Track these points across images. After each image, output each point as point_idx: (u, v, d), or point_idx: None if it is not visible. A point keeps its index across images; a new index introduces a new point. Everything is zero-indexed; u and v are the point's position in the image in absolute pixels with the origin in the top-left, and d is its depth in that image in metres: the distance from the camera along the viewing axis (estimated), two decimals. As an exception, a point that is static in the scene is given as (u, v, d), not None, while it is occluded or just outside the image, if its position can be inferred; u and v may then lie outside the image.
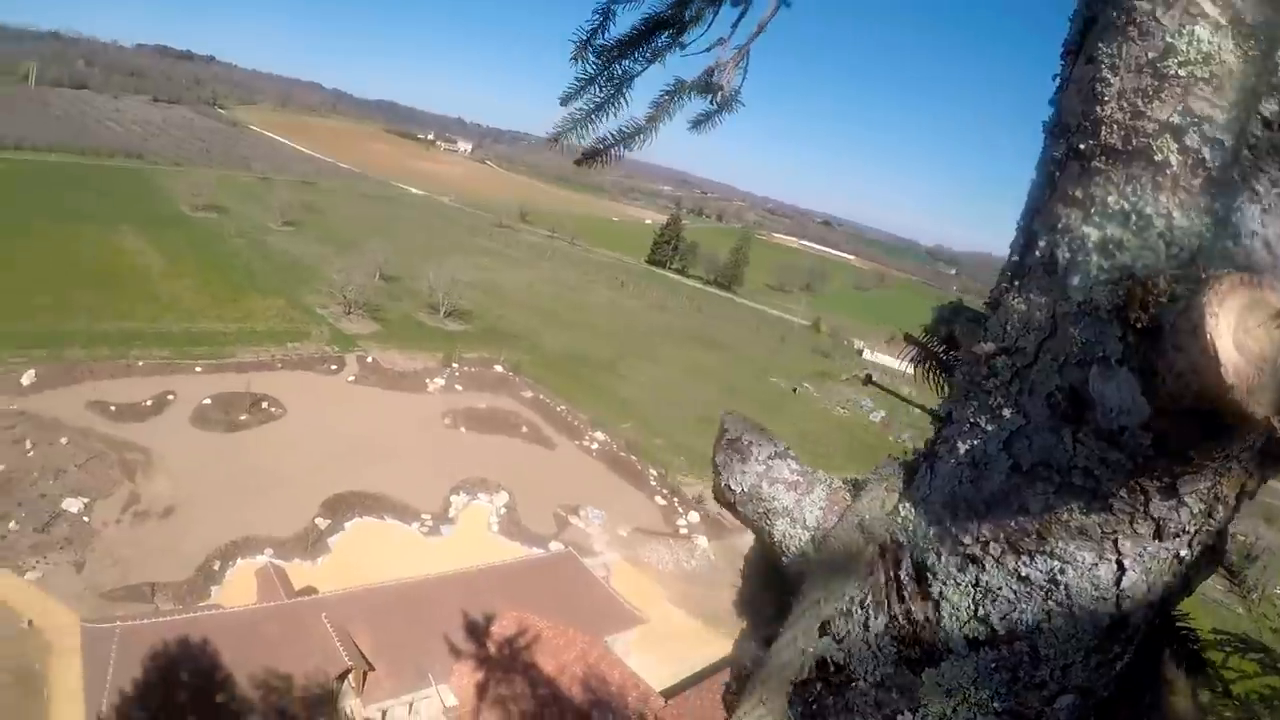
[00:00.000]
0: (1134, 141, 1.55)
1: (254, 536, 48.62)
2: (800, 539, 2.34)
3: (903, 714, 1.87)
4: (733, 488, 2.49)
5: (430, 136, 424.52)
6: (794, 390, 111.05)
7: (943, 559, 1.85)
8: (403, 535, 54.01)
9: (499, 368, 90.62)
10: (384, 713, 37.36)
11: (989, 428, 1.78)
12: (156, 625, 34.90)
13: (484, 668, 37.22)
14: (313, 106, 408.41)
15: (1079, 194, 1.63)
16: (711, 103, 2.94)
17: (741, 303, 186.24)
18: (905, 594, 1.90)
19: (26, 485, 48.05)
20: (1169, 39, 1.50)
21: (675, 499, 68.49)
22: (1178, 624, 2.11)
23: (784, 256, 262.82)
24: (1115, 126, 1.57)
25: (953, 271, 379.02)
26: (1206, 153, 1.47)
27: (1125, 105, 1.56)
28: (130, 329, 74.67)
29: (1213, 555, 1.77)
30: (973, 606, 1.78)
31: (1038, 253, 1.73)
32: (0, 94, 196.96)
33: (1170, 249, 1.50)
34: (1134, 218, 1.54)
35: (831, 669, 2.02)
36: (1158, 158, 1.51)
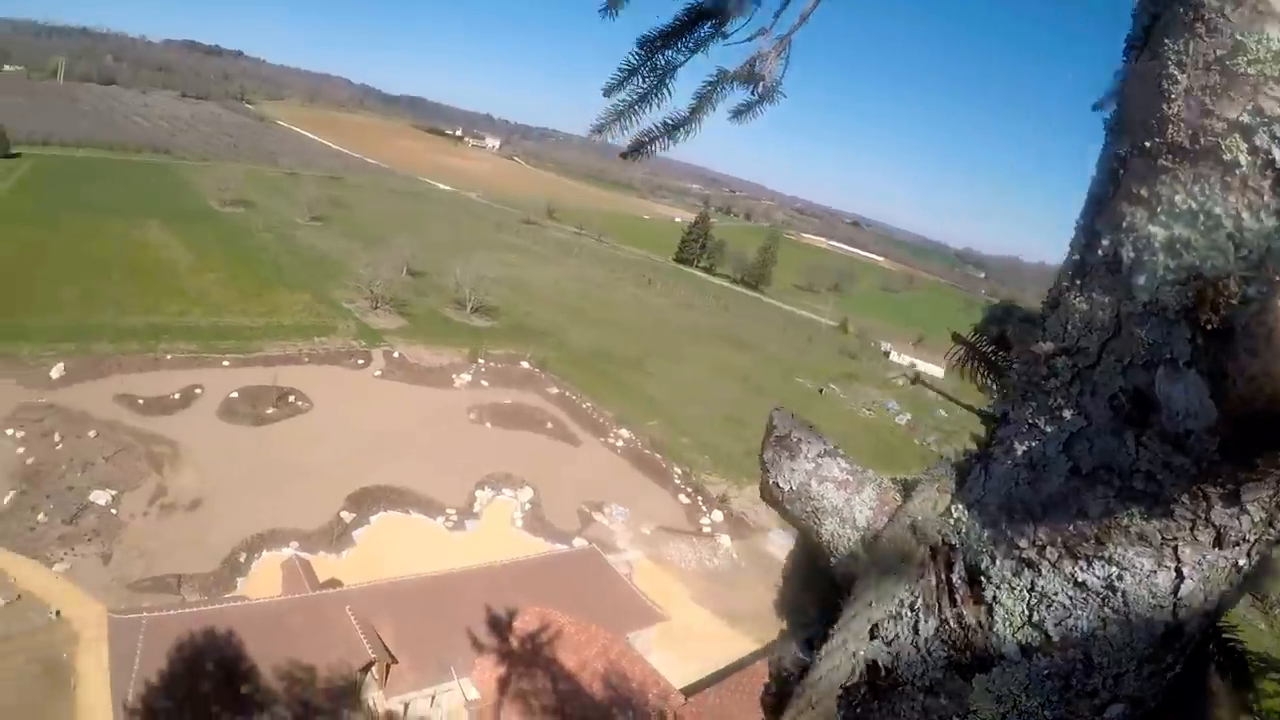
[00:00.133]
0: (1202, 140, 1.51)
1: (279, 529, 49.07)
2: (850, 539, 2.31)
3: None
4: (781, 485, 2.46)
5: (458, 132, 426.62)
6: (820, 391, 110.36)
7: (997, 562, 1.81)
8: (427, 529, 54.27)
9: (525, 364, 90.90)
10: (406, 705, 37.56)
11: (1048, 429, 1.74)
12: (182, 616, 35.24)
13: (506, 662, 37.36)
14: (340, 102, 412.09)
15: (1144, 192, 1.60)
16: (753, 93, 2.93)
17: (769, 302, 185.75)
18: (957, 597, 1.87)
19: (55, 478, 48.73)
20: (1238, 37, 1.46)
21: (699, 497, 68.37)
22: (1224, 635, 2.04)
23: (812, 256, 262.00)
24: (1183, 125, 1.53)
25: (981, 275, 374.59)
26: (1276, 153, 1.43)
27: (1193, 103, 1.52)
28: (158, 323, 75.64)
29: (1265, 566, 1.72)
30: (1027, 612, 1.74)
31: (1100, 251, 1.69)
32: (29, 89, 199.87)
33: (1239, 250, 1.45)
34: (1202, 218, 1.50)
35: (881, 673, 1.99)
36: (1226, 157, 1.47)
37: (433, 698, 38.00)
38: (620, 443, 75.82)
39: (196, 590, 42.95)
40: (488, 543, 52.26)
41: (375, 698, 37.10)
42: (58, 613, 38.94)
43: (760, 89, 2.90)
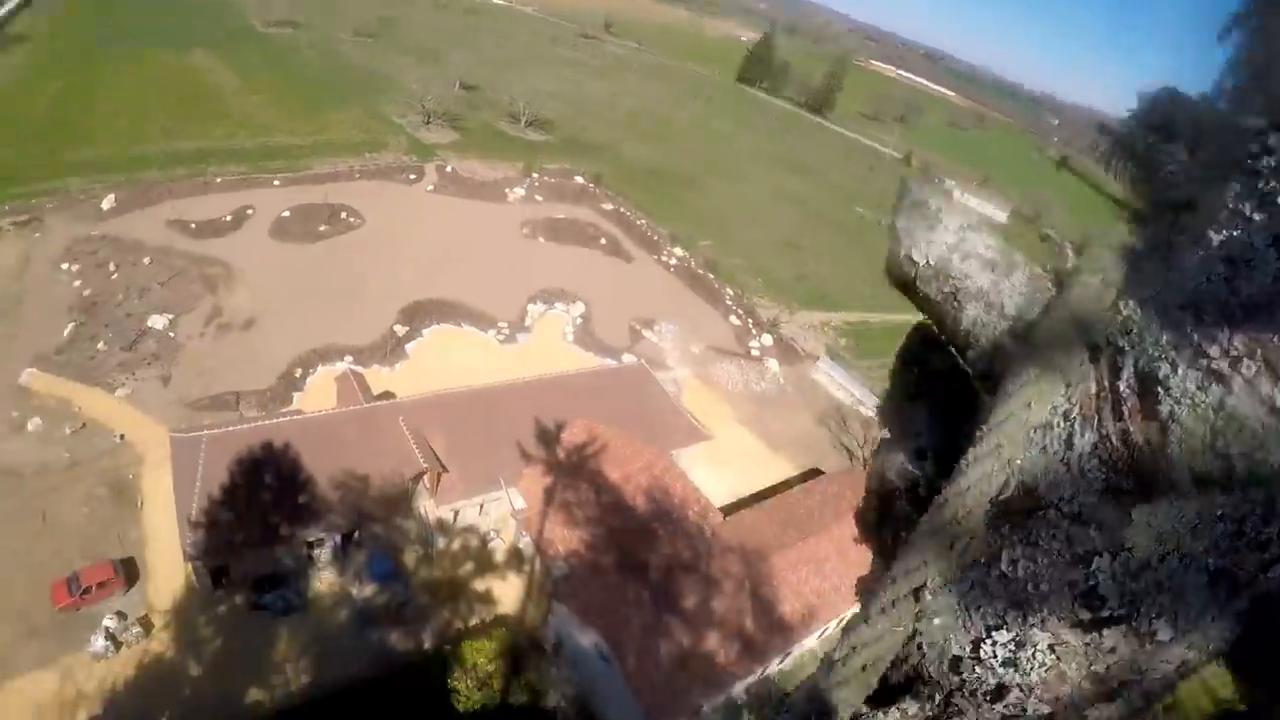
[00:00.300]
0: None
1: (334, 344, 49.51)
2: (995, 328, 1.87)
3: (1099, 556, 1.47)
4: (915, 259, 2.02)
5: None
6: (880, 223, 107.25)
7: (1178, 372, 1.42)
8: (479, 342, 54.43)
9: (579, 179, 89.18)
10: (456, 513, 38.28)
11: (1256, 217, 1.38)
12: (241, 432, 35.94)
13: (552, 473, 37.55)
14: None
15: None
16: None
17: (832, 129, 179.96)
18: (1124, 410, 1.50)
19: (112, 306, 49.33)
20: None
21: (750, 320, 67.78)
22: None
23: (880, 86, 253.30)
24: None
25: (1055, 122, 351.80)
26: None
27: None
28: (205, 147, 74.84)
29: None
30: (1210, 436, 1.37)
31: None
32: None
33: None
34: None
35: (1018, 492, 1.59)
36: None
37: (481, 506, 38.62)
38: (673, 261, 74.88)
39: (254, 406, 43.82)
40: (538, 356, 52.25)
41: (426, 506, 37.82)
42: (122, 436, 40.15)
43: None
